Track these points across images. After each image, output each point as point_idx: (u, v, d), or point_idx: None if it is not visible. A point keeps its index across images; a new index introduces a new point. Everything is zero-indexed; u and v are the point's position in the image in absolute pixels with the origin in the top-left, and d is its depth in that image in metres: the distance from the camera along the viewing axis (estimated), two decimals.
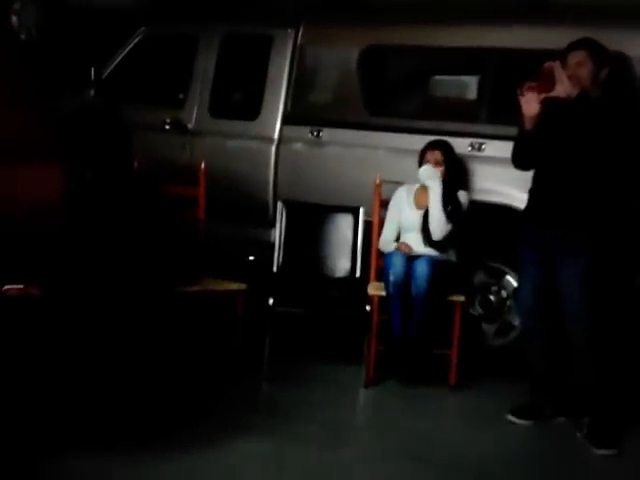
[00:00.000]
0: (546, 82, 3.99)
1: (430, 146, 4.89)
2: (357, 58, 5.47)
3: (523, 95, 4.02)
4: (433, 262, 4.62)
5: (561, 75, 3.97)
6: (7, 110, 3.53)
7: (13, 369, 3.77)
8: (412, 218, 4.87)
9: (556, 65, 3.99)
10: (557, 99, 3.99)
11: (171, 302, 4.65)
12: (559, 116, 4.05)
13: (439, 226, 4.75)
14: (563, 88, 3.97)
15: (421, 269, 4.58)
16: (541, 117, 4.04)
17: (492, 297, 5.07)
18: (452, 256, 4.85)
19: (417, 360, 4.63)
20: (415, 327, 4.61)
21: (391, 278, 4.61)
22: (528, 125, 4.08)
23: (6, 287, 3.43)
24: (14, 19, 6.57)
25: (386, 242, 4.91)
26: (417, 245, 4.82)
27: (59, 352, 3.94)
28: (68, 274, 3.60)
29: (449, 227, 4.75)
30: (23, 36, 6.55)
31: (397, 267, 4.61)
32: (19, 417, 3.86)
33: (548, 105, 4.01)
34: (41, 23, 6.59)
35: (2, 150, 3.48)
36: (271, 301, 4.68)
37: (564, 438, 4.21)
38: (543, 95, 4.00)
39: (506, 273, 5.02)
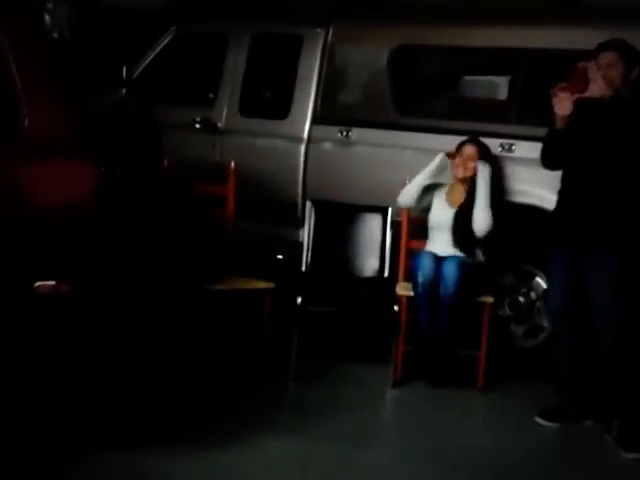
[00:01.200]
0: (579, 82, 3.96)
1: (468, 141, 4.87)
2: (387, 58, 5.47)
3: (556, 95, 4.00)
4: (462, 264, 4.61)
5: (595, 75, 3.95)
6: (41, 108, 3.57)
7: (44, 366, 3.80)
8: (443, 216, 4.85)
9: (590, 65, 3.97)
10: (589, 99, 3.97)
11: (199, 300, 4.67)
12: (591, 116, 4.03)
13: (484, 220, 4.71)
14: (597, 88, 3.95)
15: (450, 270, 4.56)
16: (573, 117, 4.02)
17: (521, 299, 5.05)
18: (480, 258, 4.83)
19: (444, 360, 4.62)
20: (442, 328, 4.60)
21: (420, 279, 4.60)
22: (559, 124, 4.07)
23: (38, 284, 3.46)
24: (47, 18, 6.65)
25: (407, 195, 4.88)
26: (446, 246, 4.81)
27: (89, 349, 3.97)
28: (99, 271, 3.63)
29: (491, 223, 4.71)
30: (56, 35, 6.62)
31: (426, 268, 4.60)
32: (52, 414, 3.90)
33: (580, 105, 3.99)
34: (73, 22, 6.65)
35: (36, 147, 3.51)
36: (299, 300, 4.69)
37: (592, 441, 4.18)
38: (576, 95, 3.97)
39: (536, 275, 5.00)
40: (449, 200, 4.90)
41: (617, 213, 4.05)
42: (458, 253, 4.76)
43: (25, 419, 3.79)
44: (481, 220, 4.73)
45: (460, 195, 4.88)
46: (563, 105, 4.00)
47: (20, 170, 3.43)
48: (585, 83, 3.96)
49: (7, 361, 3.50)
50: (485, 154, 4.87)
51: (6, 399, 3.63)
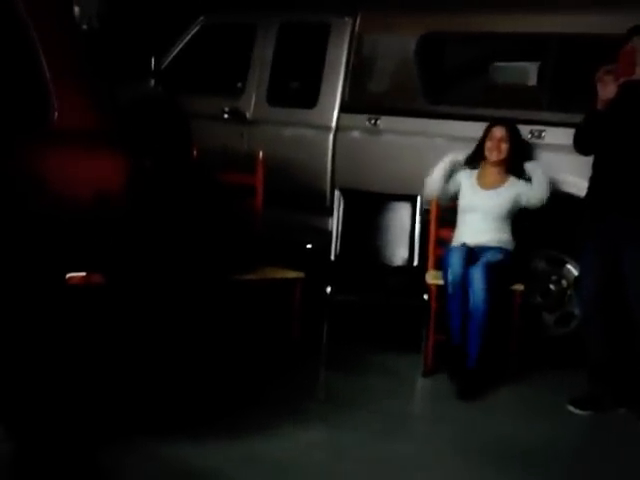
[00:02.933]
0: (627, 65, 3.91)
1: (496, 122, 4.82)
2: (415, 45, 5.44)
3: (601, 78, 3.95)
4: (491, 268, 4.48)
5: None
6: (70, 99, 3.58)
7: (77, 357, 3.83)
8: (477, 200, 4.77)
9: (638, 48, 3.91)
10: (636, 82, 3.91)
11: (229, 290, 4.68)
12: (636, 100, 3.97)
13: (544, 189, 4.67)
14: None
15: (477, 280, 4.43)
16: (616, 100, 3.96)
17: (552, 286, 5.01)
18: (510, 245, 4.77)
19: (478, 388, 4.51)
20: (473, 356, 4.47)
21: (449, 277, 4.52)
22: (601, 107, 4.01)
23: (69, 275, 3.48)
24: (76, 9, 6.68)
25: (431, 188, 4.83)
26: (478, 231, 4.72)
27: (122, 340, 4.00)
28: (130, 262, 3.65)
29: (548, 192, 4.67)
30: (85, 26, 6.65)
31: (455, 266, 4.51)
32: (83, 405, 3.93)
33: (625, 88, 3.94)
34: (102, 13, 6.68)
35: (65, 139, 3.53)
36: (329, 289, 4.69)
37: (625, 429, 4.15)
38: (622, 79, 3.92)
39: (566, 262, 4.96)
40: (482, 182, 4.83)
41: None
42: (491, 238, 4.70)
43: (59, 408, 3.82)
44: (541, 190, 4.66)
45: (494, 178, 4.81)
46: (608, 89, 3.95)
47: (50, 161, 3.45)
48: (633, 66, 3.90)
49: (39, 352, 3.53)
50: (515, 134, 4.81)
51: (41, 388, 3.67)
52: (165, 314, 4.35)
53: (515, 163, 4.78)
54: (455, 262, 4.53)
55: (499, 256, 4.64)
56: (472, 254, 4.61)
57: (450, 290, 4.53)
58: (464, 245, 4.67)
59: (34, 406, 3.60)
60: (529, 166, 4.77)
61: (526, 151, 4.87)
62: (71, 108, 3.58)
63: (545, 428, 4.16)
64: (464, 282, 4.49)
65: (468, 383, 4.46)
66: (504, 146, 4.77)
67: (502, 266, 4.59)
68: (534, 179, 4.71)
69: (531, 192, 4.70)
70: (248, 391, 4.38)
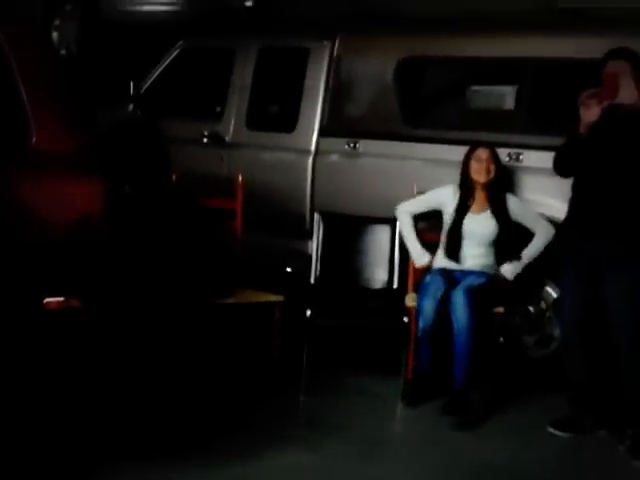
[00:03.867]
0: (610, 89, 3.93)
1: (478, 145, 4.79)
2: (394, 69, 5.47)
3: (584, 102, 3.97)
4: (471, 292, 4.46)
5: (629, 82, 3.93)
6: (48, 125, 3.58)
7: (54, 380, 3.80)
8: (465, 223, 4.73)
9: (622, 71, 3.94)
10: (615, 106, 3.94)
11: (209, 314, 4.67)
12: (618, 123, 4.00)
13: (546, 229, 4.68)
14: (629, 95, 3.93)
15: (459, 302, 4.41)
16: (598, 123, 3.99)
17: (532, 308, 5.03)
18: (492, 269, 4.74)
19: (467, 409, 4.49)
20: (461, 377, 4.44)
21: (420, 324, 4.49)
22: (583, 131, 4.03)
23: (47, 300, 3.46)
24: (54, 34, 6.68)
25: (402, 212, 4.85)
26: (466, 255, 4.69)
27: (99, 363, 3.98)
28: (108, 286, 3.63)
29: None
30: (63, 51, 6.65)
31: (427, 313, 4.46)
32: (63, 426, 3.90)
33: (607, 112, 3.96)
34: (81, 38, 6.68)
35: (43, 164, 3.52)
36: (309, 313, 4.68)
37: (606, 451, 4.15)
38: (607, 102, 3.94)
39: (545, 284, 4.98)
40: (471, 206, 4.76)
41: (632, 221, 4.03)
42: (475, 264, 4.69)
43: (38, 431, 3.79)
44: (546, 230, 4.67)
45: (482, 201, 4.75)
46: (591, 112, 3.97)
47: (28, 185, 3.44)
48: (615, 90, 3.93)
49: (18, 375, 3.50)
50: (497, 157, 4.83)
51: (19, 411, 3.64)
52: (145, 338, 4.33)
53: (499, 186, 4.78)
54: (428, 309, 4.47)
55: (481, 280, 4.62)
56: (452, 277, 4.62)
57: (420, 334, 4.51)
58: (442, 272, 4.66)
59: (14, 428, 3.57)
60: (514, 205, 4.74)
61: (506, 176, 4.89)
62: (49, 132, 3.58)
63: (526, 450, 4.16)
64: (437, 325, 4.46)
65: (458, 408, 4.45)
66: (492, 167, 4.76)
67: (483, 290, 4.58)
68: (532, 223, 4.70)
69: (539, 239, 4.68)
70: (230, 416, 4.35)
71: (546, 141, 4.66)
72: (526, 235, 4.74)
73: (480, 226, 4.70)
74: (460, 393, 4.48)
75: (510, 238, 4.70)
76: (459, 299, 4.43)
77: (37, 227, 3.42)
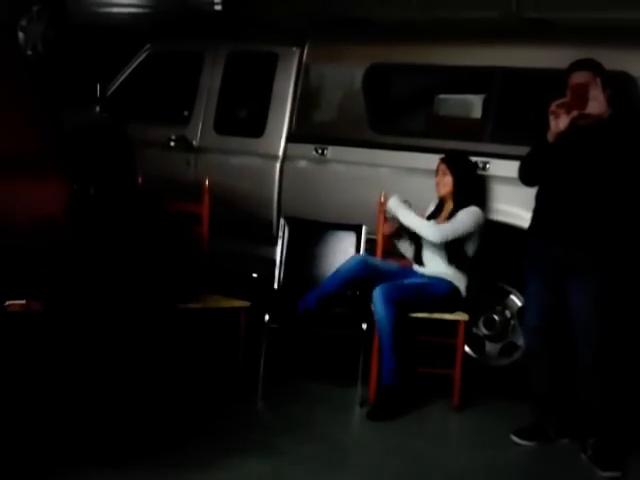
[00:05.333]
0: (579, 99, 3.96)
1: (440, 159, 4.86)
2: (362, 76, 5.48)
3: (554, 111, 3.99)
4: (390, 290, 4.57)
5: (597, 93, 3.95)
6: (11, 124, 3.53)
7: (15, 384, 3.75)
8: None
9: (593, 83, 3.97)
10: (584, 116, 3.96)
11: (173, 319, 4.63)
12: (585, 133, 4.02)
13: (432, 237, 4.71)
14: (597, 106, 3.95)
15: (377, 298, 4.55)
16: (566, 133, 4.01)
17: (496, 317, 5.05)
18: (460, 280, 4.78)
19: (392, 407, 4.58)
20: (386, 373, 4.57)
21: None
22: (551, 139, 4.05)
23: (8, 302, 3.41)
24: (20, 35, 6.61)
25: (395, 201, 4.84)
26: (438, 265, 4.77)
27: (60, 367, 3.93)
28: (70, 289, 3.59)
29: (439, 238, 4.69)
30: (29, 52, 6.58)
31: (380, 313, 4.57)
32: (21, 433, 3.85)
33: (574, 122, 3.99)
34: (47, 39, 6.62)
35: (5, 165, 3.48)
36: (267, 317, 4.66)
37: (568, 459, 4.17)
38: (576, 112, 3.97)
39: (510, 293, 5.00)
40: (440, 218, 4.84)
41: (598, 230, 4.05)
42: (449, 272, 4.74)
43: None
44: (441, 229, 4.71)
45: (447, 212, 4.82)
46: (560, 122, 3.99)
47: None
48: (585, 100, 3.95)
49: None
50: (459, 167, 4.83)
51: None
52: (108, 343, 4.29)
53: (461, 196, 4.80)
54: (379, 308, 4.57)
55: (418, 281, 4.72)
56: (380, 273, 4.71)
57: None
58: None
59: None
60: (460, 217, 4.74)
61: (475, 184, 4.89)
62: (13, 133, 3.54)
63: (489, 458, 4.17)
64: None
65: (382, 401, 4.53)
66: (446, 179, 4.80)
67: (408, 290, 4.64)
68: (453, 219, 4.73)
69: (423, 224, 4.74)
70: (192, 422, 4.31)
71: (512, 150, 4.68)
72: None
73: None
74: (387, 391, 4.55)
75: (456, 247, 4.72)
76: (376, 294, 4.54)
77: None
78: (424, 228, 4.72)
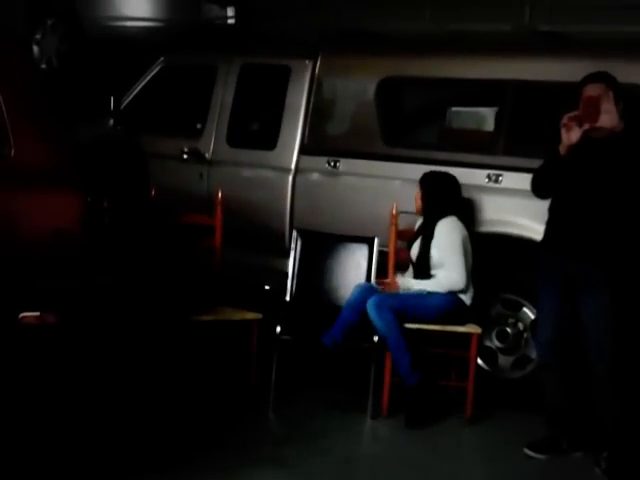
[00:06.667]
0: (591, 112, 3.95)
1: None
2: (374, 89, 5.49)
3: (566, 124, 3.99)
4: (380, 302, 4.63)
5: (610, 106, 3.95)
6: (28, 139, 3.56)
7: (29, 396, 3.76)
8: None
9: (603, 95, 3.97)
10: (595, 129, 3.96)
11: (187, 331, 4.64)
12: (597, 147, 4.02)
13: (456, 286, 4.76)
14: (610, 119, 3.95)
15: (370, 310, 4.61)
16: (578, 146, 4.01)
17: (509, 329, 5.04)
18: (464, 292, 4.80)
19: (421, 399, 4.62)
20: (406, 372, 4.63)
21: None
22: (563, 152, 4.05)
23: (22, 314, 3.43)
24: (35, 49, 6.66)
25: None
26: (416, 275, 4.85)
27: (75, 379, 3.93)
28: (84, 301, 3.60)
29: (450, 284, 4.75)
30: (44, 65, 6.63)
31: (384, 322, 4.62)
32: (30, 446, 3.85)
33: (587, 135, 3.99)
34: (62, 53, 6.66)
35: (22, 177, 3.50)
36: (278, 329, 4.66)
37: (582, 473, 4.15)
38: (588, 125, 3.96)
39: (523, 305, 4.99)
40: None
41: (610, 244, 4.04)
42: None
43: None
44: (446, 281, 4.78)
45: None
46: (572, 134, 3.99)
47: (5, 200, 3.42)
48: (597, 113, 3.95)
49: None
50: (430, 189, 4.89)
51: None
52: (121, 355, 4.30)
53: (433, 214, 4.85)
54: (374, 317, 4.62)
55: (410, 294, 4.75)
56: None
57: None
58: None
59: None
60: (438, 232, 4.79)
61: (448, 197, 4.90)
62: (28, 146, 3.56)
63: (502, 471, 4.15)
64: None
65: (413, 404, 4.58)
66: (417, 195, 4.92)
67: (397, 300, 4.68)
68: (445, 260, 4.75)
69: (434, 283, 4.77)
70: (204, 434, 4.31)
71: (525, 163, 4.68)
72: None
73: (413, 251, 4.87)
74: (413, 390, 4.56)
75: (426, 262, 4.79)
76: (369, 305, 4.62)
77: (14, 241, 3.40)
78: (443, 286, 4.74)
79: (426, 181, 4.93)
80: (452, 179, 4.91)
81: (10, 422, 3.73)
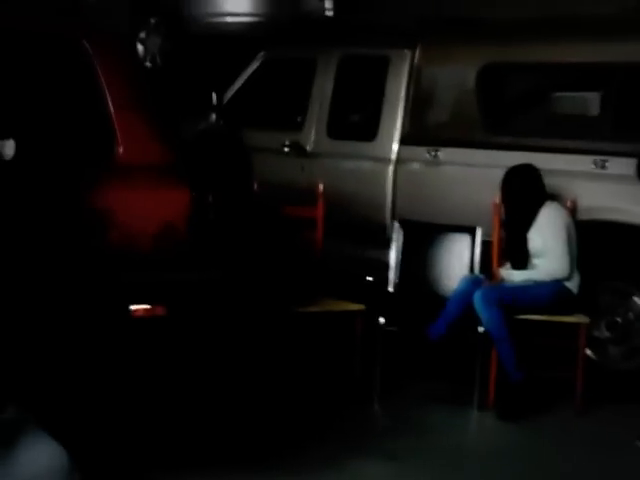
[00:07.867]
0: None
1: None
2: (475, 76, 5.43)
3: None
4: (488, 293, 4.59)
5: None
6: (134, 136, 3.65)
7: (141, 388, 3.87)
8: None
9: None
10: None
11: (290, 322, 4.69)
12: None
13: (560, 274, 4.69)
14: None
15: (477, 302, 4.57)
16: None
17: (619, 319, 4.91)
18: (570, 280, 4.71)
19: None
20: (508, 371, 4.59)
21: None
22: None
23: (133, 307, 3.52)
24: (140, 48, 6.82)
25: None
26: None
27: (184, 371, 4.03)
28: (192, 294, 3.68)
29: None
30: (148, 63, 6.78)
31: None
32: (140, 436, 3.96)
33: None
34: (165, 51, 6.81)
35: (130, 174, 3.59)
36: (382, 320, 4.67)
37: None
38: None
39: (632, 294, 4.86)
40: None
41: None
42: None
43: (123, 437, 3.86)
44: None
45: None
46: None
47: (115, 195, 3.52)
48: None
49: (104, 381, 3.58)
50: (509, 191, 4.84)
51: (104, 414, 3.71)
52: (229, 346, 4.38)
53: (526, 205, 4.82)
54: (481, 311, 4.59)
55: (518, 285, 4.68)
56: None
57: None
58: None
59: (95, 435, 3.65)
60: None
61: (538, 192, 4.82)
62: (135, 143, 3.65)
63: (613, 465, 4.07)
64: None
65: (512, 399, 4.53)
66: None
67: (506, 292, 4.62)
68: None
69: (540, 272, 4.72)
70: (308, 426, 4.35)
71: (632, 148, 4.56)
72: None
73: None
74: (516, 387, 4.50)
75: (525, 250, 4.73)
76: (476, 298, 4.56)
77: (124, 236, 3.49)
78: (548, 274, 4.67)
79: (505, 182, 4.84)
80: (531, 167, 4.82)
81: (117, 414, 3.84)
